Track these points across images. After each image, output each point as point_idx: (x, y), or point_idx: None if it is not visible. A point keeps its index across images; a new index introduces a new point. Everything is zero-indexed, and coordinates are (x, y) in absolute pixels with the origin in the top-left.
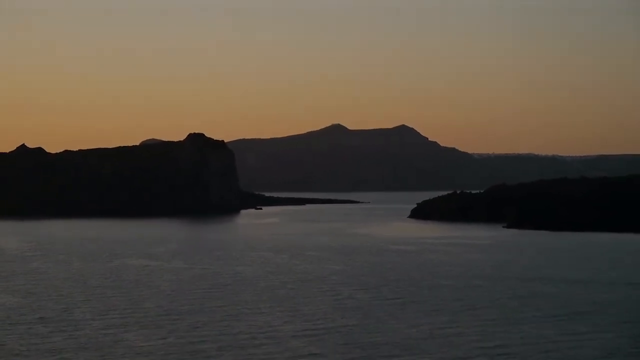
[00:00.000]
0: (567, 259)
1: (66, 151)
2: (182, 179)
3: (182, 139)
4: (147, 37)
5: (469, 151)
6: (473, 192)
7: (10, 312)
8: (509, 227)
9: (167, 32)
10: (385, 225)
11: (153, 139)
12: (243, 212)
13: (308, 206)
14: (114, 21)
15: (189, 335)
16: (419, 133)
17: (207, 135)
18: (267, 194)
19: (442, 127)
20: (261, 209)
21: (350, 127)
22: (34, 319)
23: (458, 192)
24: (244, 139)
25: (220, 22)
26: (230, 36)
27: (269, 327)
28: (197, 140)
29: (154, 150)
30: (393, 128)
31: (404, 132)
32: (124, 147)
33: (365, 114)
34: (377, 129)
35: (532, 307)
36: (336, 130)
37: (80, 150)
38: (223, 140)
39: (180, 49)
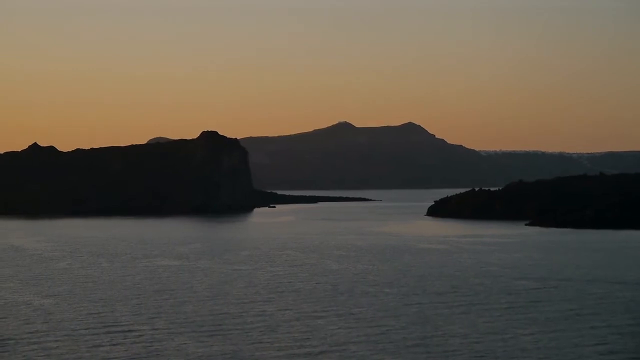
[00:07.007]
0: (610, 259)
1: (78, 149)
2: (195, 176)
3: (190, 137)
4: (154, 36)
5: (477, 148)
6: (485, 189)
7: (60, 317)
8: (531, 224)
9: (173, 32)
10: (405, 223)
11: (160, 137)
12: (257, 210)
13: (320, 204)
14: (124, 19)
15: (248, 341)
16: (426, 130)
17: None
18: (278, 192)
19: (449, 124)
20: (274, 207)
21: (357, 125)
22: (91, 327)
23: (476, 189)
24: (251, 137)
25: (229, 21)
26: (238, 35)
27: (328, 332)
28: (210, 138)
29: (166, 148)
30: (400, 125)
31: (411, 130)
32: (136, 145)
33: (372, 112)
34: (384, 127)
35: (603, 311)
36: (343, 128)
37: (92, 149)
38: (236, 138)
39: (187, 48)
